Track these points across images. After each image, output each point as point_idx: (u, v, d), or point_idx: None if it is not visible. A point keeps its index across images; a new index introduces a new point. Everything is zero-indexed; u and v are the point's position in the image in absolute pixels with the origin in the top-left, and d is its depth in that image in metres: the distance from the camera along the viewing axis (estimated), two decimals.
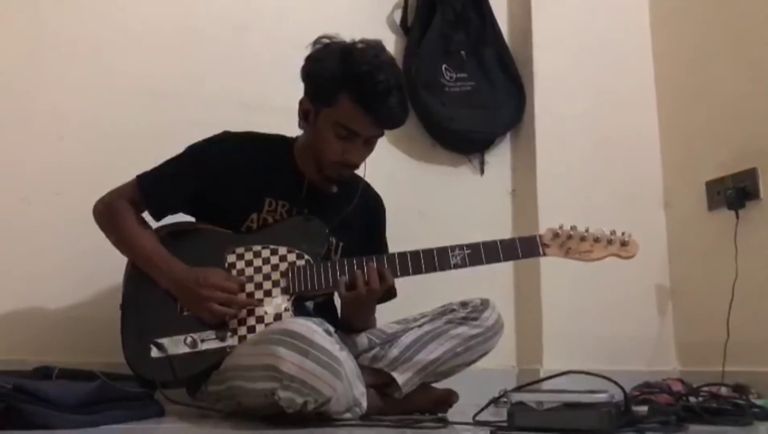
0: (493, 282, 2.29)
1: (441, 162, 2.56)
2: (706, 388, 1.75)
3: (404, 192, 2.38)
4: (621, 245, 1.63)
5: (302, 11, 2.40)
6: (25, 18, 2.10)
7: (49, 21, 2.12)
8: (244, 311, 1.58)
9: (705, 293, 2.44)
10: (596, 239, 1.62)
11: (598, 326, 2.42)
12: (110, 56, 2.15)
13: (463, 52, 2.55)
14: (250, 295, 1.60)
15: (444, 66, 2.52)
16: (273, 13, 2.38)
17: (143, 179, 1.69)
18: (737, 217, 2.32)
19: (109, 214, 1.68)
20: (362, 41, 1.65)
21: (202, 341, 1.54)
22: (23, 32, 2.09)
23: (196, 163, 1.69)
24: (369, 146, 1.69)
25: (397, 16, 2.59)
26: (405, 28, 2.57)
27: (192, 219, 1.76)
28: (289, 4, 2.41)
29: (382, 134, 1.69)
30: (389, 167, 2.41)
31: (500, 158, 2.62)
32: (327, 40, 1.67)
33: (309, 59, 1.67)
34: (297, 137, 1.78)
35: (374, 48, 1.65)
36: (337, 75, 1.60)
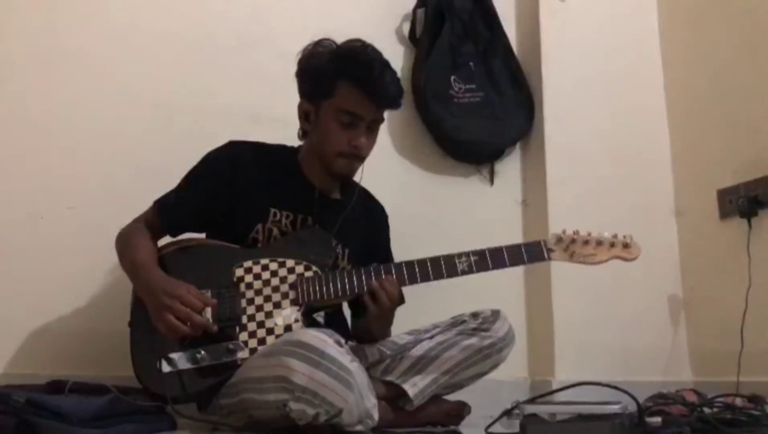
0: (503, 293, 2.28)
1: (451, 173, 2.55)
2: (720, 399, 1.72)
3: (414, 203, 2.39)
4: (623, 247, 1.65)
5: (311, 25, 2.38)
6: (37, 32, 2.11)
7: (61, 35, 2.14)
8: (253, 324, 1.57)
9: (718, 302, 2.42)
10: (599, 243, 1.64)
11: (610, 336, 2.40)
12: (122, 70, 2.17)
13: (471, 63, 2.55)
14: (260, 308, 1.59)
15: (453, 77, 2.52)
16: (283, 28, 2.39)
17: (159, 201, 1.72)
18: (750, 225, 2.30)
19: (121, 236, 1.71)
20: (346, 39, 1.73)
21: (212, 355, 1.54)
22: (35, 47, 2.11)
23: (203, 174, 1.72)
24: (372, 133, 1.73)
25: (406, 28, 2.59)
26: (413, 40, 2.58)
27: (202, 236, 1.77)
28: (298, 18, 2.42)
29: (382, 119, 1.73)
30: (399, 178, 2.42)
31: (510, 168, 2.61)
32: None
33: (302, 59, 1.75)
34: (300, 146, 1.81)
35: (358, 39, 1.74)
36: (333, 64, 1.68)
